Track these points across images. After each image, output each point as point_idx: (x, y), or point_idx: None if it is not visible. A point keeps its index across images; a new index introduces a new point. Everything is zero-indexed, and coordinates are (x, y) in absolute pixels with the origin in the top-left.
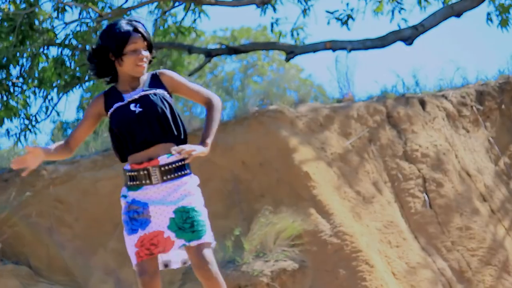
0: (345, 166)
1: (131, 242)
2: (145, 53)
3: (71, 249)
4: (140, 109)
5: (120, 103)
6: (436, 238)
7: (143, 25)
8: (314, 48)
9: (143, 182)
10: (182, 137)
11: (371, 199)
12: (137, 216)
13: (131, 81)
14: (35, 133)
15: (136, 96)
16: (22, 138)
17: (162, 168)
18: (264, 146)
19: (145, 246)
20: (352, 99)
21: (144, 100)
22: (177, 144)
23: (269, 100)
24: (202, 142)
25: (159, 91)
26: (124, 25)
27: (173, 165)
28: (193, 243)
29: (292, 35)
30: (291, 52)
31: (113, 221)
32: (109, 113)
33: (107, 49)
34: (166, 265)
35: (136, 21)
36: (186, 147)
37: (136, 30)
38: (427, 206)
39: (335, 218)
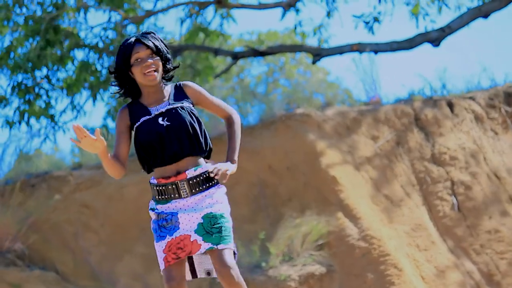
0: (372, 170)
1: (159, 248)
2: (151, 60)
3: (97, 255)
4: (168, 123)
5: (148, 117)
6: (465, 241)
7: (151, 35)
8: (340, 50)
9: (172, 196)
10: (208, 149)
11: (399, 202)
12: (165, 224)
13: (154, 93)
14: (54, 137)
15: (163, 110)
16: (47, 140)
17: (190, 182)
18: (291, 150)
19: (172, 251)
20: (379, 102)
21: (172, 114)
22: (204, 157)
23: (296, 103)
24: (230, 160)
25: (186, 104)
26: (129, 40)
27: (201, 178)
28: (220, 247)
29: (314, 34)
30: (318, 54)
31: (139, 226)
32: (135, 126)
33: (119, 66)
34: (208, 273)
35: (145, 33)
36: (222, 167)
37: (138, 40)
38: (456, 209)
39: (362, 221)
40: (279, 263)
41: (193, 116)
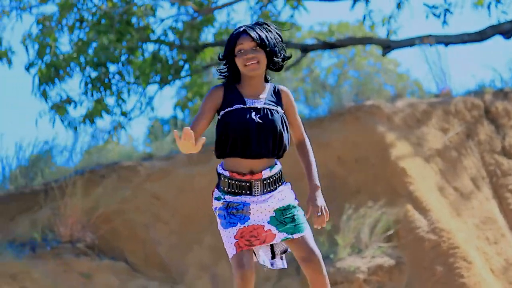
0: (442, 162)
1: (229, 234)
2: (253, 54)
3: (167, 245)
4: (261, 121)
5: (242, 106)
6: None
7: (262, 26)
8: (410, 42)
9: (243, 192)
10: (281, 156)
11: (469, 195)
12: (235, 212)
13: (254, 86)
14: (125, 129)
15: (258, 106)
16: (115, 133)
17: (265, 182)
18: (360, 142)
19: (245, 238)
20: (450, 94)
21: (266, 114)
22: (277, 158)
23: (365, 95)
24: (316, 188)
25: (280, 110)
26: (238, 29)
27: (274, 178)
28: (296, 236)
29: (383, 25)
30: (388, 46)
31: (209, 217)
32: (226, 110)
33: (225, 54)
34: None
35: (256, 23)
36: (325, 208)
37: (244, 31)
38: None
39: (432, 214)
40: (348, 255)
41: (284, 123)
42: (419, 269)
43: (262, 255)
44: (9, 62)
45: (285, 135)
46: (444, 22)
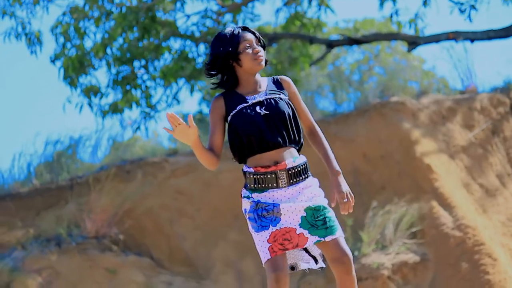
0: (468, 159)
1: (262, 238)
2: (260, 48)
3: (192, 241)
4: (267, 112)
5: (244, 104)
6: None
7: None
8: (436, 38)
9: (269, 185)
10: (300, 141)
11: (494, 191)
12: (266, 214)
13: (253, 82)
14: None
15: (260, 99)
16: (142, 127)
17: (290, 172)
18: (386, 138)
19: (278, 241)
20: (475, 91)
21: (270, 103)
22: (296, 149)
23: (390, 91)
24: (336, 173)
25: (283, 96)
26: (231, 29)
27: (299, 168)
28: (328, 238)
29: (410, 26)
30: (413, 43)
31: (234, 212)
32: (231, 114)
33: (223, 55)
34: (292, 268)
35: (241, 26)
36: (350, 198)
37: (244, 29)
38: None
39: (457, 211)
40: (372, 251)
41: (290, 107)
42: (444, 266)
43: (304, 264)
44: (39, 46)
45: (292, 117)
46: (469, 17)
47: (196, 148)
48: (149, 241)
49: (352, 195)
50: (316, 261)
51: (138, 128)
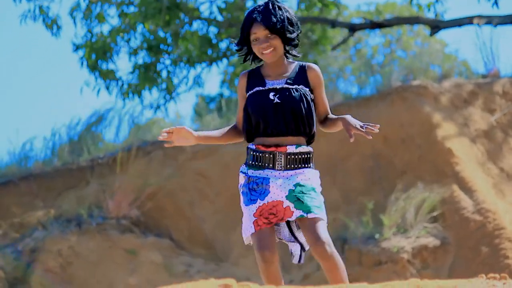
0: (489, 143)
1: (249, 212)
2: (268, 42)
3: (212, 223)
4: (279, 101)
5: (261, 88)
6: None
7: (273, 8)
8: (459, 22)
9: (266, 165)
10: (312, 133)
11: None
12: (256, 187)
13: (275, 67)
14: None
15: (277, 86)
16: (162, 108)
17: (289, 156)
18: (407, 122)
19: (263, 215)
20: (497, 75)
21: (284, 93)
22: (306, 140)
23: (412, 75)
24: (344, 115)
25: (301, 87)
26: (250, 13)
27: (299, 156)
28: (311, 215)
29: (429, 9)
30: (436, 26)
31: None
32: (249, 93)
33: (242, 36)
34: (280, 239)
35: (266, 6)
36: (366, 125)
37: (256, 19)
38: None
39: (478, 194)
40: (393, 235)
41: (305, 100)
42: (464, 250)
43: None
44: (57, 28)
45: (306, 111)
46: (495, 3)
47: (205, 141)
48: (169, 223)
49: (366, 123)
50: (303, 248)
51: (158, 107)
